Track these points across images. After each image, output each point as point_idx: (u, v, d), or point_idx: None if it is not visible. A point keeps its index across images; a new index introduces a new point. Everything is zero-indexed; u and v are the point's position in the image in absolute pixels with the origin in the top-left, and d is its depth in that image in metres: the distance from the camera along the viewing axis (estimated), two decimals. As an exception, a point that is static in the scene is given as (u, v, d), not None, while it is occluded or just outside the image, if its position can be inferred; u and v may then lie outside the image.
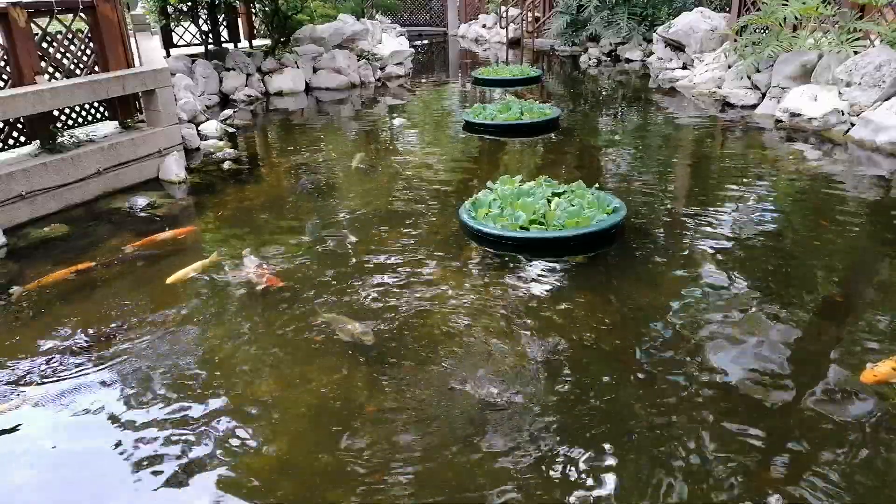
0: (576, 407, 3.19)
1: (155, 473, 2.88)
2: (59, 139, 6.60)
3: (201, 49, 12.47)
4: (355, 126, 10.42)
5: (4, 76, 6.40)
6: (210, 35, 12.75)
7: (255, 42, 14.04)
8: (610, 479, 2.73)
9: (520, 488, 2.70)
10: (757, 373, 3.41)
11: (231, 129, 9.59)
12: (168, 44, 12.39)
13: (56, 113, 6.84)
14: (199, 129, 9.00)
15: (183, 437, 3.08)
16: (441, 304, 4.19)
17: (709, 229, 5.36)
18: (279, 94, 12.67)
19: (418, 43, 21.74)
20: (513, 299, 4.25)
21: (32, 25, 6.48)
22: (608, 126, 9.95)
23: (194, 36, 12.81)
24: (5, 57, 6.35)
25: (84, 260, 5.09)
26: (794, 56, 9.41)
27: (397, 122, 10.25)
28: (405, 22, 24.17)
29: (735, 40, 11.33)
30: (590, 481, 2.72)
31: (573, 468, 2.80)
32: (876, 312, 3.98)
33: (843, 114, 8.21)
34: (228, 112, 10.62)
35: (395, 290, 4.42)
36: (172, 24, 12.42)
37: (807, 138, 8.18)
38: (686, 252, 4.98)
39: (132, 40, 8.44)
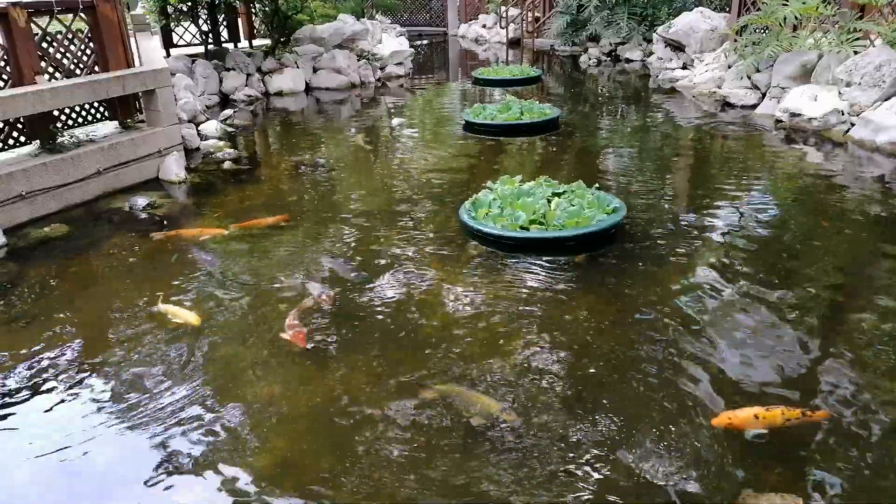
0: (575, 407, 3.19)
1: (158, 473, 2.88)
2: (59, 139, 6.60)
3: (201, 49, 12.47)
4: (355, 126, 10.41)
5: (4, 76, 6.40)
6: (210, 35, 12.75)
7: (255, 42, 14.04)
8: (610, 479, 2.74)
9: (515, 489, 2.71)
10: (757, 373, 3.41)
11: (231, 129, 9.58)
12: (168, 44, 12.39)
13: (56, 113, 6.83)
14: (199, 129, 9.00)
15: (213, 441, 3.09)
16: (442, 308, 4.21)
17: (708, 229, 5.37)
18: (279, 94, 12.67)
19: (418, 43, 21.73)
20: (512, 300, 4.25)
21: (32, 25, 6.48)
22: (608, 126, 9.95)
23: (194, 36, 12.81)
24: (5, 57, 6.35)
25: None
26: (794, 56, 9.42)
27: (397, 121, 10.25)
28: (405, 22, 24.16)
29: (735, 40, 11.33)
30: (590, 482, 2.73)
31: (572, 468, 2.80)
32: (877, 312, 3.98)
33: (843, 114, 8.21)
34: (228, 112, 10.62)
35: (397, 293, 4.44)
36: (172, 24, 12.42)
37: (807, 138, 8.17)
38: (686, 252, 4.98)
39: (132, 40, 8.44)
